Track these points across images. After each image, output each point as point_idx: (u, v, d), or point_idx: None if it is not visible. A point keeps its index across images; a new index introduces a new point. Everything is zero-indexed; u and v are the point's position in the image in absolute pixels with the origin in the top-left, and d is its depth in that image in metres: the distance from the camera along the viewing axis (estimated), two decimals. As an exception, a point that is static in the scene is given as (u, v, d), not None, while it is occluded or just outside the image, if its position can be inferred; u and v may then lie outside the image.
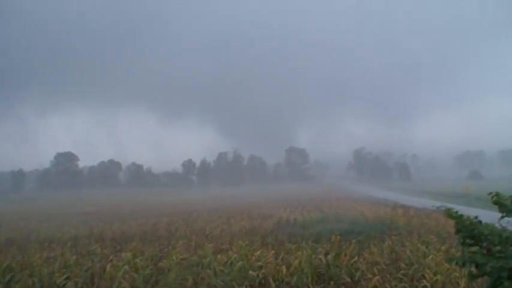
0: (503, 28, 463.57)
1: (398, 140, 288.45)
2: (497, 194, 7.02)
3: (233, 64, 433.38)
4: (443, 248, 17.06)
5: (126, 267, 14.91)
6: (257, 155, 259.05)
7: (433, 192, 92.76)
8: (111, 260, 16.77)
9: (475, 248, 7.03)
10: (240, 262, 14.81)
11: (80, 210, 69.26)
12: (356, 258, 15.23)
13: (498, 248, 6.63)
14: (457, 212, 7.28)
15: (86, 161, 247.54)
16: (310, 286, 12.75)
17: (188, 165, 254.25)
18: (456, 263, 7.19)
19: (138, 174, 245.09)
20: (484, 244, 6.85)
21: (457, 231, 7.13)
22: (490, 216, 7.59)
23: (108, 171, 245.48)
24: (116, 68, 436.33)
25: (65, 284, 13.83)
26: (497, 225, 6.85)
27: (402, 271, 13.62)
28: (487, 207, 39.06)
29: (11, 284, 13.95)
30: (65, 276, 14.63)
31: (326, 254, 15.53)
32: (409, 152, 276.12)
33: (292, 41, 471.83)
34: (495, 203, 7.04)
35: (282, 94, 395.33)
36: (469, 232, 6.95)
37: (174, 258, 16.27)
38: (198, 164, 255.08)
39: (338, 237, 19.38)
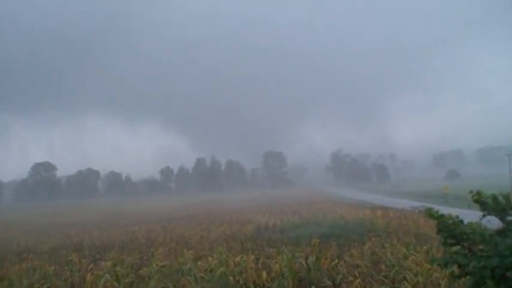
0: (480, 27, 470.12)
1: (375, 141, 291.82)
2: (478, 193, 6.98)
3: (209, 69, 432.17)
4: (423, 248, 17.12)
5: (107, 276, 14.71)
6: (235, 160, 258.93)
7: (412, 193, 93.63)
8: (91, 269, 16.56)
9: (456, 248, 6.97)
10: (221, 268, 14.72)
11: (59, 221, 68.50)
12: (336, 261, 15.25)
13: (480, 247, 6.59)
14: (437, 211, 7.23)
15: (63, 170, 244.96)
16: (292, 291, 12.64)
17: (166, 172, 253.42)
18: (438, 264, 7.14)
19: (117, 183, 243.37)
20: (466, 244, 6.80)
21: (439, 231, 7.08)
22: (469, 216, 7.58)
23: (86, 180, 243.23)
24: (90, 78, 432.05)
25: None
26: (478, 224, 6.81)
27: (383, 273, 13.62)
28: (466, 207, 39.47)
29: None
30: (45, 287, 14.41)
31: (306, 258, 15.49)
32: (387, 152, 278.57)
33: (270, 43, 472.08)
34: (476, 201, 7.00)
35: (258, 98, 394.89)
36: (451, 232, 6.90)
37: (154, 265, 16.13)
38: (176, 170, 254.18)
39: (318, 240, 19.35)
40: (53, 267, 17.75)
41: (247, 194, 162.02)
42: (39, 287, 14.36)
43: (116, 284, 14.06)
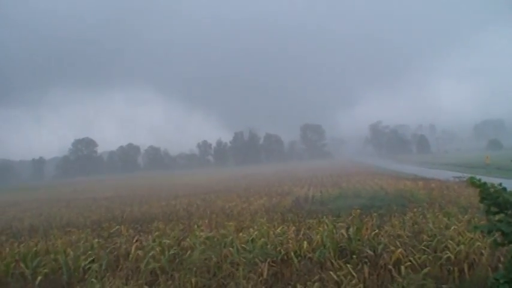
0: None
1: (415, 111, 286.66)
2: (520, 161, 6.90)
3: (245, 44, 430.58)
4: (465, 218, 16.97)
5: (155, 246, 15.08)
6: (273, 133, 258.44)
7: (453, 164, 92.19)
8: (136, 241, 16.92)
9: (500, 216, 6.93)
10: (262, 239, 14.91)
11: (101, 195, 69.73)
12: (377, 232, 15.24)
13: (525, 215, 6.54)
14: (480, 180, 7.17)
15: (104, 146, 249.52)
16: (333, 261, 12.71)
17: (204, 146, 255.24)
18: (481, 231, 7.12)
19: (156, 157, 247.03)
20: (510, 212, 6.76)
21: (482, 200, 7.04)
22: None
23: (127, 155, 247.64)
24: (130, 57, 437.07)
25: (90, 267, 13.98)
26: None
27: (425, 243, 13.55)
28: (509, 176, 38.73)
29: (38, 269, 14.13)
30: (90, 259, 14.82)
31: (347, 228, 15.54)
32: (426, 122, 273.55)
33: (309, 18, 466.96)
34: (518, 169, 6.92)
35: (295, 71, 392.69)
36: (494, 200, 6.86)
37: (196, 237, 16.37)
38: (214, 144, 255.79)
39: (358, 211, 19.34)
40: (97, 240, 18.24)
41: (285, 166, 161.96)
42: (85, 259, 14.77)
43: (161, 256, 14.41)
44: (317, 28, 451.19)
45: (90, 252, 15.76)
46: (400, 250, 12.70)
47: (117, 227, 22.38)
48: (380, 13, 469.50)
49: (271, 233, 16.00)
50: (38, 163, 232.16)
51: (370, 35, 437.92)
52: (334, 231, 15.15)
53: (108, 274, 12.90)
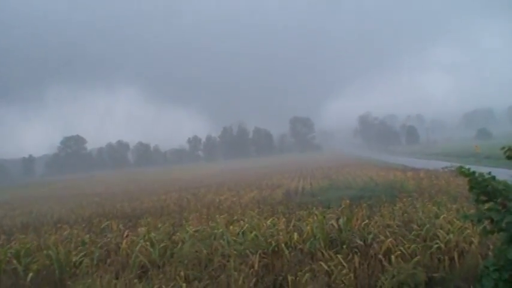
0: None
1: (403, 101, 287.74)
2: (510, 149, 6.94)
3: (234, 37, 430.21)
4: (454, 207, 17.06)
5: (143, 241, 15.05)
6: (262, 127, 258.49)
7: (442, 154, 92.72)
8: (126, 236, 16.90)
9: (489, 204, 6.97)
10: (253, 231, 14.93)
11: (91, 192, 69.78)
12: (367, 222, 15.29)
13: (514, 203, 6.57)
14: (469, 169, 7.21)
15: (93, 143, 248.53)
16: (323, 251, 12.74)
17: (194, 141, 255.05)
18: (471, 220, 7.15)
19: (146, 153, 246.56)
20: (499, 200, 6.79)
21: (471, 188, 7.08)
22: (501, 175, 7.52)
23: (116, 152, 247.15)
24: (119, 54, 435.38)
25: (81, 262, 13.97)
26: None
27: (414, 232, 13.60)
28: (497, 165, 38.98)
29: (30, 266, 14.09)
30: (82, 254, 14.80)
31: (337, 219, 15.57)
32: (414, 112, 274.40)
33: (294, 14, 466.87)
34: (509, 157, 6.96)
35: (283, 64, 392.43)
36: (483, 188, 6.90)
37: (187, 231, 16.37)
38: (203, 139, 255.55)
39: (348, 202, 19.38)
40: (88, 235, 18.22)
41: (275, 160, 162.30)
42: (77, 254, 14.74)
43: (151, 249, 14.41)
44: (305, 22, 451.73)
45: (81, 247, 15.76)
46: (390, 240, 12.76)
47: (108, 222, 22.34)
48: (368, 6, 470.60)
49: (262, 225, 15.99)
50: (28, 161, 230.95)
51: (358, 27, 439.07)
52: (325, 222, 15.13)
53: (99, 269, 12.88)
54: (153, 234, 16.13)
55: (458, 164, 8.75)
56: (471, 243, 12.24)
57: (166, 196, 42.01)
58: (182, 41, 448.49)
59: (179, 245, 14.60)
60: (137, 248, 14.32)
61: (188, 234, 15.73)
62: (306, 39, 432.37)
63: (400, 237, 13.19)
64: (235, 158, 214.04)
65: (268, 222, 16.52)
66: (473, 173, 7.06)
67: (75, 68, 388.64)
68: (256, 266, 12.00)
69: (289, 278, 11.01)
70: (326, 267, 11.31)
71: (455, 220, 13.97)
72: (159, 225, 19.03)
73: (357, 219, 15.55)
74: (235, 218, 19.55)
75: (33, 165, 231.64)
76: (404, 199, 20.80)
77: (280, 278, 11.49)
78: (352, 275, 10.99)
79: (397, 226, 14.68)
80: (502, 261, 6.56)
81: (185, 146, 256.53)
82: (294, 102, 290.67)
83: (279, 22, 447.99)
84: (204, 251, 13.48)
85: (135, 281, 11.64)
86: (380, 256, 11.95)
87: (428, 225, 13.85)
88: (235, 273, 11.35)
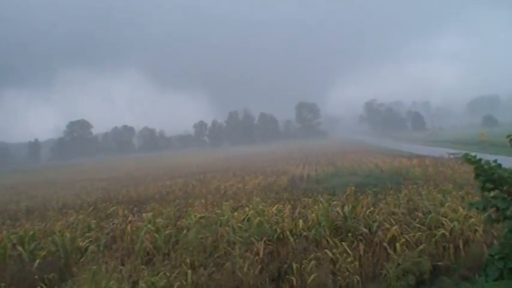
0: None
1: (409, 88, 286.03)
2: (516, 136, 6.88)
3: (239, 23, 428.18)
4: (460, 194, 17.02)
5: (149, 226, 15.10)
6: (267, 113, 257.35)
7: (448, 141, 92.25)
8: (130, 221, 16.95)
9: (495, 192, 6.93)
10: (258, 218, 14.91)
11: (96, 177, 69.84)
12: (372, 209, 15.28)
13: (520, 191, 6.53)
14: (475, 156, 7.16)
15: (99, 128, 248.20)
16: (328, 239, 12.76)
17: (200, 126, 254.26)
18: (476, 208, 7.12)
19: (151, 138, 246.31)
20: (505, 188, 6.75)
21: (476, 176, 7.03)
22: (507, 162, 7.47)
23: (121, 136, 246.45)
24: (124, 37, 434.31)
25: (87, 247, 14.03)
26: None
27: (419, 220, 13.61)
28: (503, 153, 38.81)
29: (35, 252, 14.15)
30: (88, 240, 14.85)
31: (342, 207, 15.55)
32: (421, 99, 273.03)
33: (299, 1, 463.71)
34: (514, 144, 6.91)
35: (289, 49, 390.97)
36: (489, 176, 6.85)
37: (192, 217, 16.41)
38: (209, 124, 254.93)
39: (353, 189, 19.36)
40: (94, 221, 18.30)
41: (281, 145, 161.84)
42: (83, 240, 14.81)
43: (156, 235, 14.45)
44: (313, 7, 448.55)
45: (87, 233, 15.82)
46: (395, 227, 12.78)
47: (114, 208, 22.40)
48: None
49: (267, 212, 16.01)
50: (33, 146, 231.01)
51: (367, 15, 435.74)
52: (330, 209, 15.17)
53: (104, 255, 12.93)
54: (158, 219, 16.20)
55: (464, 151, 8.71)
56: (476, 231, 12.24)
57: (172, 182, 42.01)
58: (190, 26, 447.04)
59: (184, 232, 14.63)
60: (142, 233, 14.37)
61: (193, 221, 15.76)
62: (314, 25, 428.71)
63: (405, 225, 13.23)
64: (240, 144, 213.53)
65: (274, 209, 16.53)
66: (479, 160, 7.01)
67: (83, 53, 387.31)
68: (261, 253, 12.05)
69: (294, 265, 11.06)
70: (331, 255, 11.35)
71: (460, 208, 13.97)
72: (164, 211, 19.06)
73: (362, 207, 15.55)
74: (241, 204, 19.57)
75: (38, 149, 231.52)
76: (410, 186, 20.80)
77: (285, 265, 11.54)
78: (357, 262, 11.04)
79: (402, 214, 14.69)
80: (507, 249, 6.55)
81: (191, 131, 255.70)
82: (300, 88, 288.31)
83: (286, 7, 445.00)
84: (209, 238, 13.51)
85: (142, 267, 11.71)
86: (385, 244, 11.99)
87: (433, 214, 13.84)
88: (240, 260, 11.39)
